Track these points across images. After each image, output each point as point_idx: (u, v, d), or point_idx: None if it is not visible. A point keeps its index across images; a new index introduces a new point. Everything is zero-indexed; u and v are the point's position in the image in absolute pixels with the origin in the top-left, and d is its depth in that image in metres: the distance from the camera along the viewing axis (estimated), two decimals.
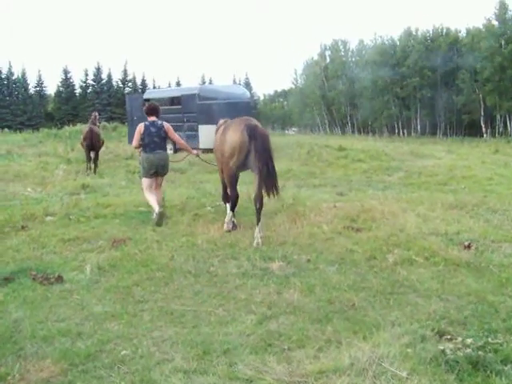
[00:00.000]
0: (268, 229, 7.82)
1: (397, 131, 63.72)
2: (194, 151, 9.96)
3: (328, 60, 75.56)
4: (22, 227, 8.16)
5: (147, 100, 24.47)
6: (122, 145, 26.03)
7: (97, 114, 17.80)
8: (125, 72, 70.67)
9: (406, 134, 61.26)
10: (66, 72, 67.98)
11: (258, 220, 7.36)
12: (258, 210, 7.44)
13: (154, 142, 8.68)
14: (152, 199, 8.60)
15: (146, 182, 8.86)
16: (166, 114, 23.10)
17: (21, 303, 4.99)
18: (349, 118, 72.12)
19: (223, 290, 5.32)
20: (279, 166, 16.82)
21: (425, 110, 58.76)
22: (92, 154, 16.35)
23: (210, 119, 21.28)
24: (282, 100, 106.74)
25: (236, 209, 8.30)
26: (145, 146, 8.69)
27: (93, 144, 16.23)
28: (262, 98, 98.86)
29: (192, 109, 21.83)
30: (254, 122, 7.85)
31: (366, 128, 68.59)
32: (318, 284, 5.48)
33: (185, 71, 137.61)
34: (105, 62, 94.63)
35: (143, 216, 9.01)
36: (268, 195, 7.37)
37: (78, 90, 69.23)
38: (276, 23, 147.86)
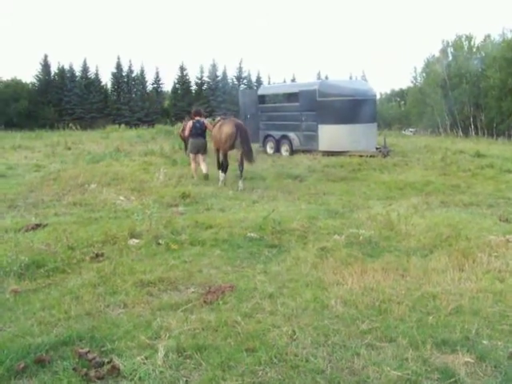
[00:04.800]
0: (428, 280, 5.38)
1: None
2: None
3: (450, 57, 70.08)
4: (96, 255, 6.28)
5: (262, 96, 22.51)
6: None
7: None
8: (240, 69, 69.36)
9: None
10: (182, 69, 67.70)
11: (241, 176, 12.29)
12: (241, 171, 12.36)
13: (198, 133, 13.41)
14: (194, 168, 13.54)
15: (192, 156, 13.61)
16: (282, 112, 21.00)
17: None
18: (472, 119, 66.46)
19: None
20: (414, 175, 14.36)
21: None
22: None
23: (332, 118, 18.93)
24: (398, 99, 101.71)
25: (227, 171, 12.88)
26: (192, 135, 13.46)
27: None
28: (378, 96, 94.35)
29: (311, 106, 19.39)
30: (239, 121, 13.05)
31: (490, 130, 62.59)
32: None
33: (300, 68, 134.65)
34: (220, 59, 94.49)
35: (253, 245, 6.82)
36: (249, 162, 12.38)
37: (193, 87, 68.95)
38: (395, 19, 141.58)
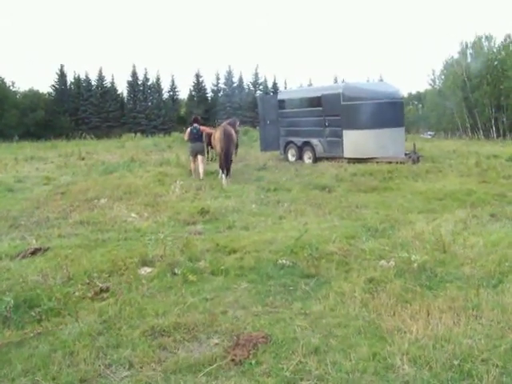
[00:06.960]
0: (510, 322, 4.27)
1: None
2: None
3: (470, 59, 68.33)
4: (101, 290, 5.27)
5: (282, 101, 21.42)
6: (253, 151, 22.99)
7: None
8: (256, 75, 68.28)
9: None
10: (197, 76, 66.67)
11: (228, 174, 14.30)
12: (228, 171, 14.42)
13: (195, 137, 15.08)
14: (193, 167, 15.12)
15: (191, 158, 15.16)
16: (304, 117, 19.79)
17: None
18: (493, 121, 64.64)
19: None
20: (452, 184, 13.17)
21: None
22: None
23: (357, 123, 17.75)
24: (416, 103, 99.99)
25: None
26: (190, 139, 15.16)
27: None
28: None
29: (335, 111, 18.18)
30: (228, 127, 15.09)
31: None
32: None
33: (316, 72, 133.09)
34: (236, 66, 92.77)
35: (286, 275, 5.75)
36: (226, 162, 14.43)
37: (209, 94, 68.12)
38: (411, 21, 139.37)
